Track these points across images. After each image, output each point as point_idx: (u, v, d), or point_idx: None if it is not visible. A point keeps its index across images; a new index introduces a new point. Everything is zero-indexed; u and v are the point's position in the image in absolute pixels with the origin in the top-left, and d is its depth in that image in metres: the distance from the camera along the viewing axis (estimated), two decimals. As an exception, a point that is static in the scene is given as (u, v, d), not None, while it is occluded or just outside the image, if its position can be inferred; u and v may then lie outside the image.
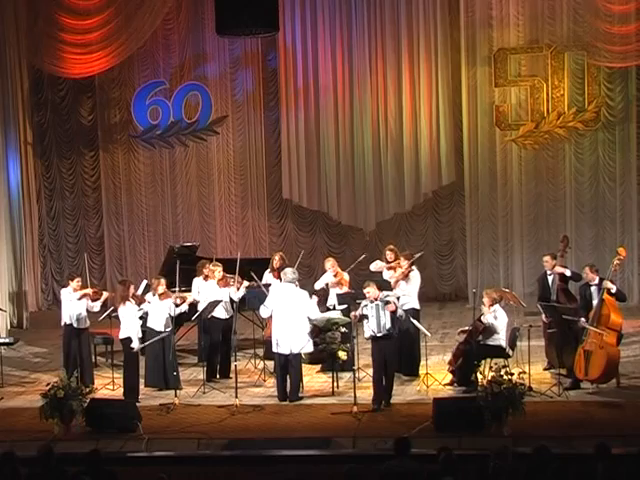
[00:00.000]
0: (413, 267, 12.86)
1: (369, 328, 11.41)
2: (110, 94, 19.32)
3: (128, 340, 11.97)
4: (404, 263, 12.83)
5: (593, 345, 11.55)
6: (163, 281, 12.57)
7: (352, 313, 11.74)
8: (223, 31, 14.90)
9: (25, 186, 18.64)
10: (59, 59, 17.65)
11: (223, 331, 12.95)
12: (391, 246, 13.52)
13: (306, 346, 11.88)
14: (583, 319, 11.77)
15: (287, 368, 11.75)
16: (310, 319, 11.93)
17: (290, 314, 11.69)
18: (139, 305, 12.20)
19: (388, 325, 11.34)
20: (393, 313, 11.41)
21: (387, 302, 11.44)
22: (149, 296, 12.55)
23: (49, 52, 17.66)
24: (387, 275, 13.00)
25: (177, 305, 12.44)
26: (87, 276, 13.12)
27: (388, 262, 13.13)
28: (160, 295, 12.42)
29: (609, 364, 11.53)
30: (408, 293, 12.64)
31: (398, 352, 11.79)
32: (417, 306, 12.81)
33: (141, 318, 12.26)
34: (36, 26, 17.76)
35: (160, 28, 18.46)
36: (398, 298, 11.97)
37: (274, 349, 11.84)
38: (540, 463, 7.63)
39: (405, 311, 12.00)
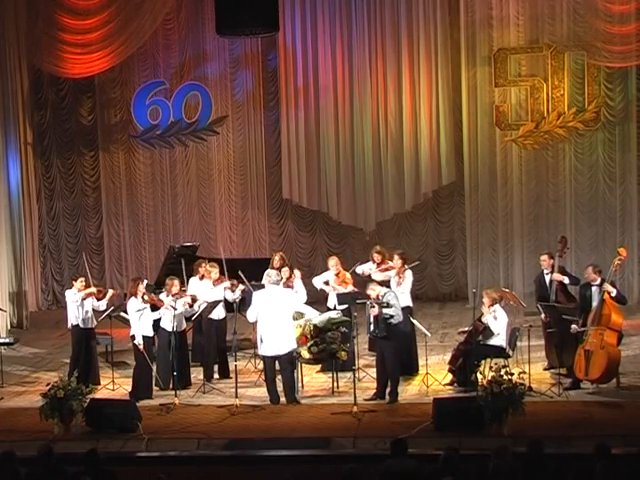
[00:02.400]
0: (406, 266, 12.88)
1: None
2: (110, 94, 19.31)
3: (133, 337, 12.02)
4: (398, 262, 12.84)
5: (594, 345, 11.54)
6: (177, 282, 12.58)
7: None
8: (223, 31, 14.89)
9: (25, 186, 18.62)
10: (59, 59, 17.66)
11: (217, 332, 12.94)
12: (378, 247, 13.54)
13: (293, 347, 11.83)
14: (574, 325, 11.74)
15: (274, 370, 11.71)
16: (310, 319, 11.95)
17: (275, 316, 11.64)
18: (155, 308, 12.20)
19: (372, 327, 11.49)
20: (376, 317, 11.49)
21: (372, 305, 11.52)
22: (162, 297, 12.54)
23: (49, 52, 17.66)
24: (377, 277, 12.98)
25: (191, 305, 12.48)
26: (88, 275, 13.10)
27: (375, 263, 13.17)
28: (174, 295, 12.43)
29: (610, 364, 11.52)
30: (402, 291, 12.66)
31: (397, 352, 11.76)
32: (410, 304, 12.84)
33: (157, 320, 12.31)
34: (36, 26, 17.76)
35: (160, 28, 18.45)
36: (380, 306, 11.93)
37: (260, 351, 11.81)
38: (536, 457, 7.66)
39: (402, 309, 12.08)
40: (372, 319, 11.66)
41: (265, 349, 11.69)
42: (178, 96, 19.06)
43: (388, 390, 11.61)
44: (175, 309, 12.19)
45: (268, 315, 11.67)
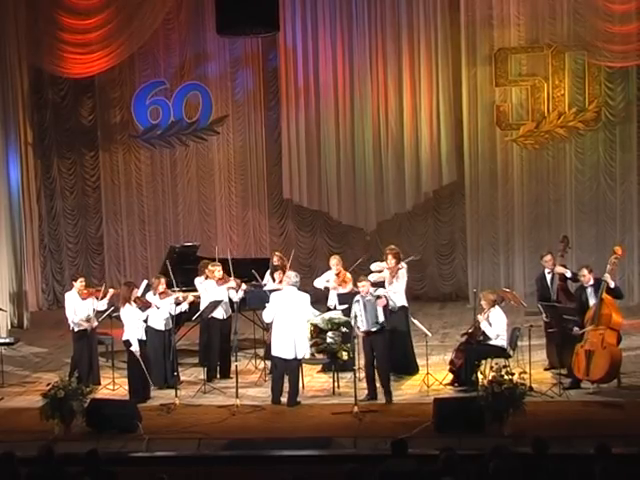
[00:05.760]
0: (402, 265, 12.82)
1: (360, 324, 11.51)
2: (110, 94, 19.32)
3: (128, 343, 11.97)
4: (392, 261, 12.77)
5: (594, 345, 11.52)
6: (163, 280, 12.61)
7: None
8: (223, 31, 14.89)
9: (25, 186, 18.63)
10: (59, 59, 17.67)
11: (221, 331, 12.95)
12: (392, 246, 13.34)
13: (306, 352, 11.86)
14: (576, 328, 11.72)
15: (283, 371, 11.70)
16: (311, 321, 11.93)
17: (292, 318, 11.61)
18: (145, 308, 12.18)
19: (381, 319, 11.43)
20: (385, 307, 11.48)
21: (378, 296, 11.49)
22: (149, 296, 12.55)
23: (49, 52, 17.67)
24: (372, 277, 12.86)
25: (177, 304, 12.46)
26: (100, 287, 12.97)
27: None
28: (160, 294, 12.45)
29: (612, 364, 11.50)
30: (397, 291, 12.60)
31: (388, 348, 11.73)
32: (406, 303, 12.77)
33: (144, 321, 12.29)
34: (36, 26, 17.75)
35: (160, 28, 18.46)
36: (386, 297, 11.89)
37: (273, 353, 11.77)
38: (539, 457, 7.68)
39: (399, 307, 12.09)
40: (379, 311, 11.52)
41: (278, 351, 11.65)
42: (178, 96, 19.08)
43: (383, 390, 11.59)
44: (157, 307, 12.23)
45: (284, 317, 11.62)
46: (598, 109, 17.44)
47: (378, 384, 11.68)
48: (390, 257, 12.77)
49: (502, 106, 17.80)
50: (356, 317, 11.51)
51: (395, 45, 17.98)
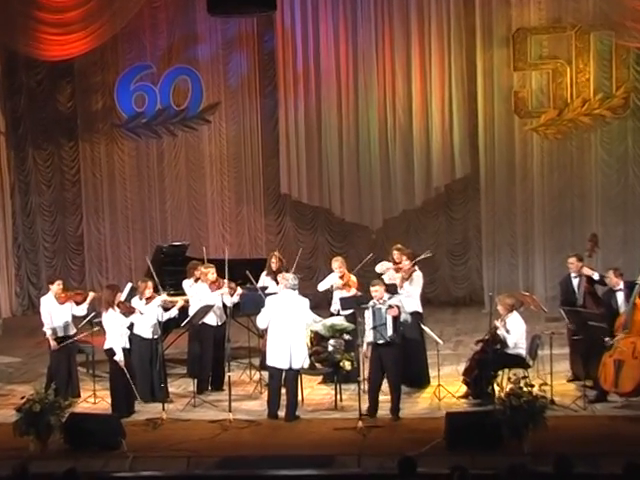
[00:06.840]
0: (416, 267, 12.82)
1: (368, 334, 11.46)
2: (91, 79, 19.35)
3: (110, 352, 11.93)
4: (406, 262, 12.78)
5: (625, 355, 11.48)
6: (150, 284, 12.58)
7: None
8: (215, 10, 14.91)
9: (-2, 180, 18.67)
10: (35, 40, 17.68)
11: (215, 339, 12.92)
12: (398, 245, 13.45)
13: (305, 360, 11.83)
14: (608, 338, 11.67)
15: (280, 382, 11.67)
16: (311, 328, 11.91)
17: (289, 324, 11.57)
18: (128, 314, 12.13)
19: (390, 332, 11.36)
20: (395, 318, 11.41)
21: (390, 306, 11.43)
22: (135, 300, 12.53)
23: (24, 32, 17.66)
24: (388, 277, 12.87)
25: (166, 309, 12.43)
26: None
27: (395, 263, 13.07)
28: (147, 299, 12.42)
29: (645, 376, 11.49)
30: (410, 295, 12.59)
31: (401, 361, 11.70)
32: (420, 309, 12.77)
33: (129, 328, 12.26)
34: (10, 4, 17.73)
35: (146, 6, 18.48)
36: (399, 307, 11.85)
37: (269, 362, 11.75)
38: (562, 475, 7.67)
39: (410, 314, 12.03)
40: (389, 321, 11.45)
41: (273, 360, 11.63)
42: (166, 81, 19.10)
43: (390, 406, 11.54)
44: (141, 313, 12.22)
45: (281, 323, 11.59)
46: (626, 95, 17.46)
47: (382, 398, 11.63)
48: (404, 259, 12.83)
49: (521, 92, 17.81)
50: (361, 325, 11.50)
51: (403, 26, 17.98)
